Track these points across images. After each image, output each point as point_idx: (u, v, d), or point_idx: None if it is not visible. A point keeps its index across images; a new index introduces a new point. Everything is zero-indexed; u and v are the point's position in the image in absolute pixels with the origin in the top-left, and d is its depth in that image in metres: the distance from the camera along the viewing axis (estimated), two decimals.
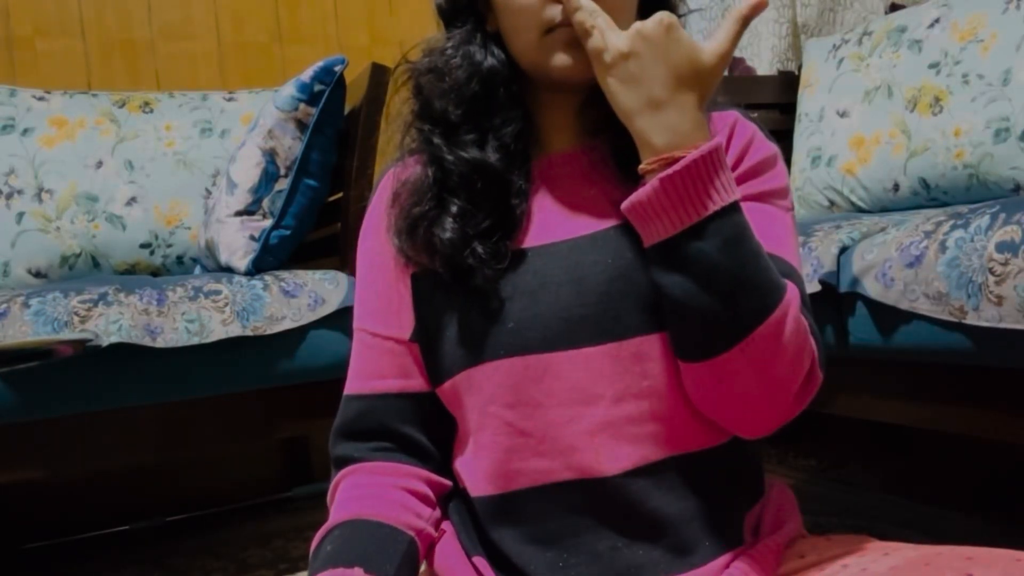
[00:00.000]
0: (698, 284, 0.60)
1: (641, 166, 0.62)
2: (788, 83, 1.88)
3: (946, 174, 1.40)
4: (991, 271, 0.90)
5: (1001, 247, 0.89)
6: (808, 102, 1.73)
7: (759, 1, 0.61)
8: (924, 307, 0.98)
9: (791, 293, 0.62)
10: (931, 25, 1.51)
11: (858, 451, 1.95)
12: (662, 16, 0.60)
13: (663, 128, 0.60)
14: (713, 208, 0.59)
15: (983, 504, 1.52)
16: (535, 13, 0.66)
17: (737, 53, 2.05)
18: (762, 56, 1.99)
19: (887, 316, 1.04)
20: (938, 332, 0.99)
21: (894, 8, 1.96)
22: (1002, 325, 0.90)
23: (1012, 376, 1.00)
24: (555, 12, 0.66)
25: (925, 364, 1.09)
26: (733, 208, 0.60)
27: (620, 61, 0.60)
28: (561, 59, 0.67)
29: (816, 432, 2.05)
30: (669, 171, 0.59)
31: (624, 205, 0.62)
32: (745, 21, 0.62)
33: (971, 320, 0.93)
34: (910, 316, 1.01)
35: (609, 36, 0.60)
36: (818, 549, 0.67)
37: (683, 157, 0.59)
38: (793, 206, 0.73)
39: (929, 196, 1.45)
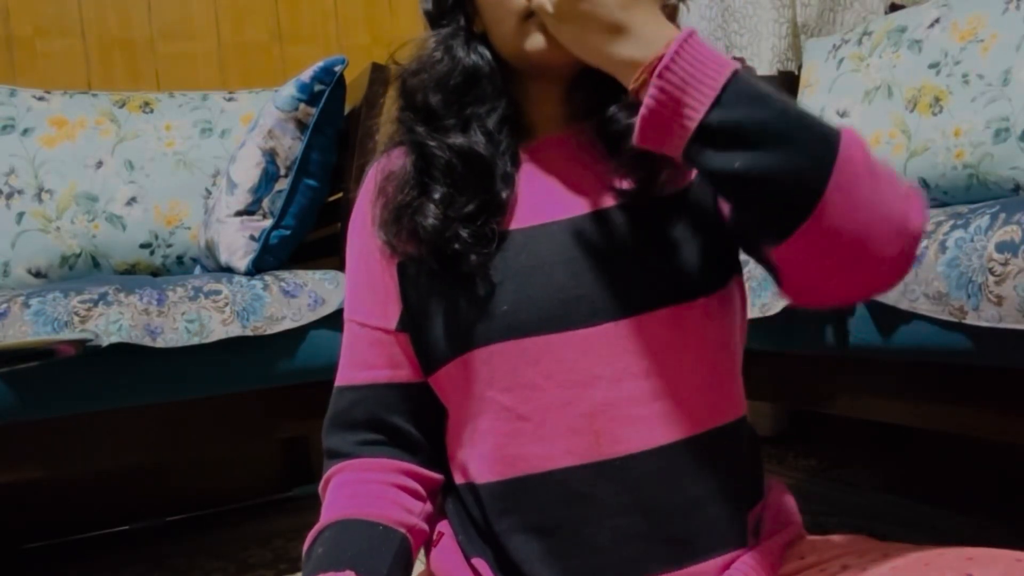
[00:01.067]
0: (754, 148, 0.56)
1: (631, 86, 0.59)
2: (788, 83, 1.88)
3: (946, 174, 1.40)
4: (991, 271, 0.90)
5: (1001, 247, 0.90)
6: (808, 102, 1.73)
7: None
8: (924, 307, 0.98)
9: (845, 129, 0.59)
10: (931, 25, 1.51)
11: (858, 451, 1.95)
12: None
13: (635, 46, 0.58)
14: (722, 80, 0.56)
15: (983, 504, 1.52)
16: (511, 2, 0.66)
17: (737, 53, 2.05)
18: (762, 56, 1.99)
19: (887, 316, 1.04)
20: (938, 332, 0.98)
21: (894, 8, 1.96)
22: (1002, 325, 0.90)
23: (1012, 376, 1.00)
24: None
25: (925, 364, 1.09)
26: (738, 73, 0.57)
27: (566, 5, 0.59)
28: (536, 41, 0.66)
29: (816, 432, 2.05)
30: (662, 63, 0.56)
31: (636, 135, 0.59)
32: None
33: (971, 320, 0.93)
34: (910, 316, 1.01)
35: None
36: (818, 550, 0.67)
37: (664, 54, 0.57)
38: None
39: (929, 196, 1.45)
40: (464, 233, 0.67)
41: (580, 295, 0.66)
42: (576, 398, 0.66)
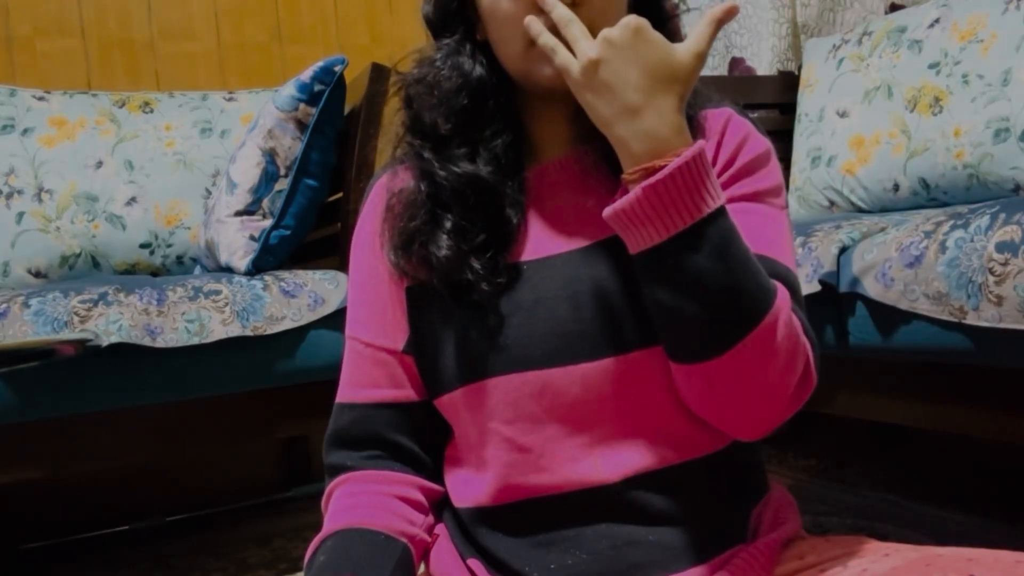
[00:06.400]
0: (686, 292, 0.59)
1: (623, 176, 0.61)
2: (788, 83, 1.88)
3: (946, 174, 1.40)
4: (991, 271, 0.90)
5: (1001, 247, 0.90)
6: (808, 102, 1.73)
7: (732, 6, 0.61)
8: (924, 307, 0.98)
9: (781, 297, 0.61)
10: (931, 25, 1.51)
11: (858, 451, 1.95)
12: (629, 20, 0.59)
13: (641, 135, 0.59)
14: (699, 216, 0.58)
15: (983, 504, 1.52)
16: (520, 24, 0.64)
17: (737, 53, 2.05)
18: (762, 56, 1.99)
19: (887, 316, 1.04)
20: (938, 332, 0.99)
21: (894, 8, 1.96)
22: (1002, 325, 0.90)
23: (1012, 376, 1.00)
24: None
25: (925, 364, 1.09)
26: (720, 213, 0.59)
27: (591, 70, 0.59)
28: (547, 70, 0.65)
29: (816, 432, 2.05)
30: (651, 180, 0.57)
31: (606, 212, 0.60)
32: (719, 24, 0.61)
33: (971, 320, 0.93)
34: (910, 316, 1.01)
35: (581, 44, 0.59)
36: (818, 550, 0.67)
37: (664, 166, 0.58)
38: (787, 204, 0.73)
39: (929, 196, 1.45)
40: (476, 265, 0.67)
41: (583, 330, 0.66)
42: (577, 431, 0.66)
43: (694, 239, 0.58)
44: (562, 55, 0.60)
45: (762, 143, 0.71)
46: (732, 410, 0.64)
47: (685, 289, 0.59)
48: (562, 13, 0.60)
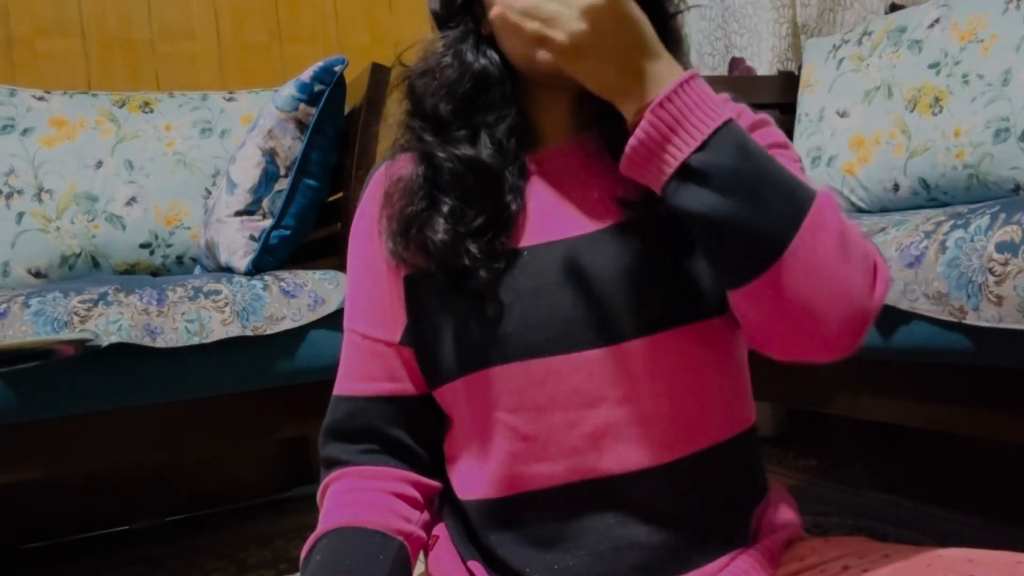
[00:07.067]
0: (726, 196, 0.57)
1: (630, 120, 0.60)
2: (788, 83, 1.88)
3: (946, 174, 1.40)
4: (991, 271, 0.90)
5: (1001, 247, 0.90)
6: (808, 102, 1.73)
7: None
8: (924, 307, 0.98)
9: (822, 189, 0.60)
10: (931, 25, 1.51)
11: (858, 451, 1.95)
12: None
13: (646, 85, 0.58)
14: (713, 125, 0.57)
15: (983, 504, 1.52)
16: None
17: (737, 53, 2.05)
18: (762, 56, 1.99)
19: (887, 316, 1.04)
20: (938, 332, 0.99)
21: (894, 8, 1.96)
22: (1002, 325, 0.90)
23: (1012, 376, 1.00)
24: None
25: (925, 364, 1.09)
26: (731, 123, 0.58)
27: (587, 41, 0.57)
28: (546, 53, 0.64)
29: (816, 432, 2.05)
30: (658, 98, 0.57)
31: (622, 163, 0.60)
32: None
33: (971, 320, 0.93)
34: (910, 316, 1.01)
35: (563, 21, 0.57)
36: (818, 551, 0.67)
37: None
38: (800, 158, 0.72)
39: (929, 196, 1.45)
40: (473, 248, 0.67)
41: (585, 317, 0.66)
42: (580, 419, 0.65)
43: (715, 145, 0.57)
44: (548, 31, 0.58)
45: (759, 115, 0.72)
46: (808, 316, 0.59)
47: (725, 193, 0.57)
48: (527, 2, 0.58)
